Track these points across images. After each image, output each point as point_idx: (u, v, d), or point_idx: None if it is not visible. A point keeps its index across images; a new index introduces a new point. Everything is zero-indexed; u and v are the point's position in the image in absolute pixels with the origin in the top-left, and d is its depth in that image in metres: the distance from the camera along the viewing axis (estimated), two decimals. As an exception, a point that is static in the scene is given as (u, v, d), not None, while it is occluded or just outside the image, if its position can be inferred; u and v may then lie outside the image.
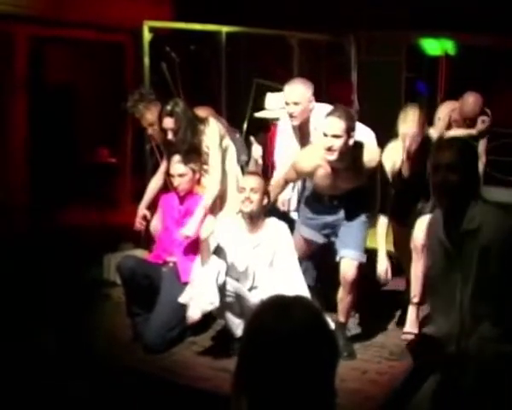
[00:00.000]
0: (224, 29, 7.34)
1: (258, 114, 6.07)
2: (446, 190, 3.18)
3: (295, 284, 4.93)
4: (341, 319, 5.04)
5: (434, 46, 9.19)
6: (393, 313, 5.66)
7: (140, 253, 6.30)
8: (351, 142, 4.70)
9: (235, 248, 4.96)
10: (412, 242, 5.08)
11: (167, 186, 5.83)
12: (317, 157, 4.84)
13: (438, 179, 3.22)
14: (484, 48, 8.17)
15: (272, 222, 5.11)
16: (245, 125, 6.37)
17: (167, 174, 5.70)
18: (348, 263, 4.94)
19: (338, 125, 4.62)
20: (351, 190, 4.98)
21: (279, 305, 1.80)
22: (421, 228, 4.72)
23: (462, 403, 3.21)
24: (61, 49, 9.23)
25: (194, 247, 5.32)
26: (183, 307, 4.93)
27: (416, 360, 3.63)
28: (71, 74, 9.45)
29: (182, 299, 4.91)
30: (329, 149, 4.66)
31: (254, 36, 7.95)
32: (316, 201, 5.18)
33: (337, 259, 5.02)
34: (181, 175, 5.42)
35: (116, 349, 5.11)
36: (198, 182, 5.62)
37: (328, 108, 4.98)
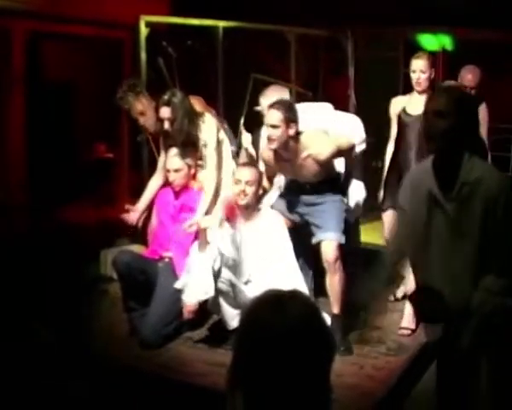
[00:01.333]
0: (221, 24, 7.33)
1: (258, 108, 6.04)
2: (433, 136, 3.13)
3: (291, 277, 4.93)
4: (335, 310, 5.03)
5: (432, 41, 9.18)
6: (391, 309, 5.66)
7: (136, 248, 6.30)
8: (291, 132, 4.88)
9: (230, 238, 4.97)
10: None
11: (167, 183, 5.81)
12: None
13: (425, 125, 3.21)
14: (482, 42, 8.16)
15: (267, 213, 5.11)
16: (242, 120, 6.33)
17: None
18: (327, 244, 5.00)
19: (276, 115, 4.85)
20: (320, 177, 5.11)
21: (275, 300, 1.80)
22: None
23: (462, 358, 3.21)
24: (58, 44, 9.21)
25: (189, 243, 5.31)
26: (179, 303, 4.95)
27: (417, 310, 3.69)
28: (69, 70, 9.43)
29: (178, 284, 4.95)
30: (269, 139, 4.92)
31: (251, 31, 7.94)
32: (290, 184, 5.35)
33: (314, 242, 5.09)
34: (177, 170, 5.44)
35: (113, 345, 5.13)
36: (193, 177, 5.61)
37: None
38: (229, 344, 4.74)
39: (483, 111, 6.40)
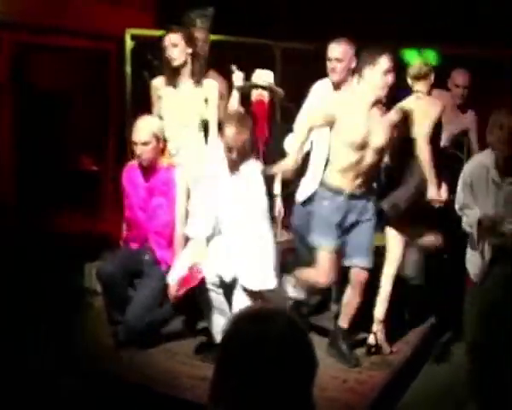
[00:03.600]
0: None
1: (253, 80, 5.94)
2: None
3: (255, 244, 4.82)
4: (343, 324, 5.03)
5: (417, 55, 9.23)
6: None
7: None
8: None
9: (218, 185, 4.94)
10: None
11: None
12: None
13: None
14: (467, 57, 8.21)
15: (247, 169, 4.90)
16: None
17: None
18: (361, 271, 4.93)
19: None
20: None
21: (258, 315, 1.80)
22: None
23: None
24: (46, 56, 9.19)
25: (167, 232, 5.27)
26: (164, 291, 4.95)
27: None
28: (57, 82, 9.40)
29: (169, 278, 4.91)
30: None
31: (238, 44, 7.95)
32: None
33: (346, 264, 4.98)
34: (145, 143, 5.13)
35: (99, 358, 5.09)
36: (162, 152, 5.35)
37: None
38: (210, 358, 4.72)
39: (471, 116, 6.47)
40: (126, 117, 7.08)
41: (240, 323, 1.80)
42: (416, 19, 8.53)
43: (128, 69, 6.83)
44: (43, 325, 5.34)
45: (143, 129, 5.14)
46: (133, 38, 6.86)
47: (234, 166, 4.85)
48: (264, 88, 5.66)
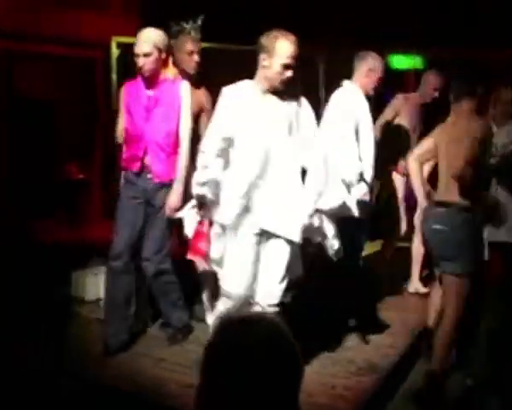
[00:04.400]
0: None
1: None
2: None
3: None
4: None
5: (403, 61, 9.28)
6: (362, 328, 5.67)
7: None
8: None
9: None
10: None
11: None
12: None
13: None
14: (452, 61, 8.27)
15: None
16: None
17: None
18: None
19: None
20: None
21: (242, 321, 1.81)
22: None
23: None
24: (32, 64, 9.19)
25: (169, 145, 5.15)
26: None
27: None
28: (42, 90, 9.41)
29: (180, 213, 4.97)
30: None
31: (224, 51, 7.98)
32: None
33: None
34: (146, 55, 5.00)
35: (88, 366, 5.07)
36: (165, 63, 5.24)
37: None
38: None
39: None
40: (113, 124, 7.06)
41: (225, 329, 1.80)
42: (402, 24, 8.57)
43: (114, 77, 6.84)
44: (31, 334, 5.34)
45: (145, 41, 5.02)
46: (119, 45, 6.86)
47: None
48: None
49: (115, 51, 6.82)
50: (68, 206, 8.68)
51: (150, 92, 5.10)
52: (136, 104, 5.14)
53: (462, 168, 4.59)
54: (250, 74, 4.52)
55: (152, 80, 5.09)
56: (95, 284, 6.33)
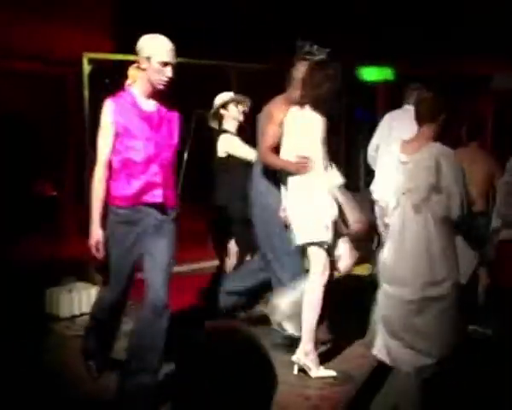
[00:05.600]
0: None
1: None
2: None
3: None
4: None
5: (373, 73, 9.35)
6: (336, 341, 5.69)
7: (82, 286, 6.26)
8: None
9: None
10: None
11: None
12: None
13: None
14: (422, 74, 8.37)
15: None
16: (185, 156, 6.28)
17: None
18: None
19: None
20: None
21: (216, 333, 1.82)
22: None
23: None
24: (4, 80, 9.17)
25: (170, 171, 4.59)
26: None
27: None
28: (14, 106, 9.38)
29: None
30: None
31: (195, 67, 8.01)
32: None
33: None
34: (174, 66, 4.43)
35: (61, 384, 5.04)
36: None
37: None
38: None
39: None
40: (85, 141, 7.06)
41: (200, 341, 1.82)
42: (374, 37, 8.67)
43: (86, 93, 6.84)
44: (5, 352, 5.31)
45: (174, 50, 4.43)
46: (90, 61, 6.87)
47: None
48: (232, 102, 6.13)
49: (87, 67, 6.82)
50: (41, 222, 8.64)
51: (150, 108, 4.50)
52: (136, 126, 4.42)
53: None
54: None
55: (157, 94, 4.50)
56: (69, 301, 6.29)
